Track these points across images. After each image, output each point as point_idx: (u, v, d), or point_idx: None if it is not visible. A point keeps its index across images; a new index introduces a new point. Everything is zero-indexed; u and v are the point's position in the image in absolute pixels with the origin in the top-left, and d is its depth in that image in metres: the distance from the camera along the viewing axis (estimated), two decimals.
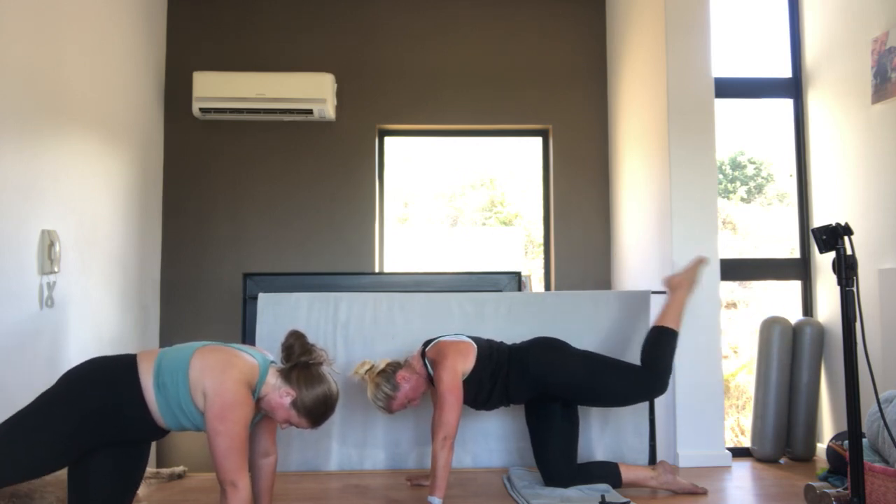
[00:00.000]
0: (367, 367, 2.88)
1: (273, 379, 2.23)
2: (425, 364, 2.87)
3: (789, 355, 3.70)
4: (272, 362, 2.29)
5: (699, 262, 3.18)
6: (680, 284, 3.12)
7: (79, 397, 2.08)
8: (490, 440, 3.44)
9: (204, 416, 2.10)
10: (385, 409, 2.85)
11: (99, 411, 2.08)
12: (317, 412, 2.24)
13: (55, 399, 2.08)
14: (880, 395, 2.80)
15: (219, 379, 2.09)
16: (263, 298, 3.42)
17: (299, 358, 2.24)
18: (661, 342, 2.97)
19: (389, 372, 2.85)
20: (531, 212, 5.03)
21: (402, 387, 2.82)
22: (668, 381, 2.95)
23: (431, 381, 2.87)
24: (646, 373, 2.93)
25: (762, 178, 5.38)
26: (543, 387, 2.90)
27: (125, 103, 3.93)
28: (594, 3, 4.64)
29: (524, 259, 4.96)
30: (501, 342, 3.04)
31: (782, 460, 3.69)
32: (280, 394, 2.21)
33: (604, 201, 4.56)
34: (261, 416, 2.32)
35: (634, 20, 4.09)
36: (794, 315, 3.89)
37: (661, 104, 3.68)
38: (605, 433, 3.42)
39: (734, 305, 5.43)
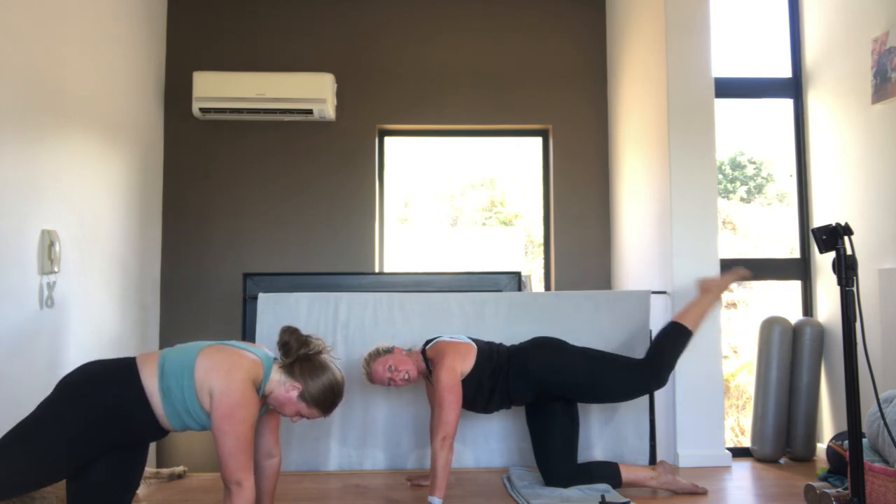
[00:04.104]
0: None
1: (277, 375, 2.23)
2: (425, 361, 2.89)
3: (789, 355, 3.70)
4: (274, 359, 2.30)
5: (738, 274, 3.17)
6: (709, 289, 3.15)
7: (81, 404, 2.07)
8: (491, 440, 3.44)
9: (210, 416, 2.10)
10: (368, 366, 2.87)
11: (103, 417, 2.07)
12: (325, 401, 2.25)
13: (56, 407, 2.07)
14: (880, 395, 2.80)
15: (225, 379, 2.09)
16: (263, 298, 3.42)
17: (298, 352, 2.25)
18: (672, 337, 3.00)
19: (390, 346, 2.94)
20: (531, 212, 5.03)
21: (396, 354, 2.88)
22: (668, 377, 2.95)
23: (429, 378, 2.89)
24: (646, 367, 2.93)
25: (762, 178, 5.37)
26: (544, 385, 2.90)
27: (125, 103, 3.93)
28: (594, 3, 4.64)
29: (524, 259, 4.96)
30: (501, 343, 3.05)
31: (782, 460, 3.69)
32: (286, 388, 2.22)
33: (604, 201, 4.56)
34: (264, 410, 2.33)
35: (634, 20, 4.09)
36: (794, 315, 3.89)
37: (661, 104, 3.68)
38: (605, 433, 3.42)
39: (734, 305, 5.43)
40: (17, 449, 2.01)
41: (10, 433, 2.04)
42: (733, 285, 3.17)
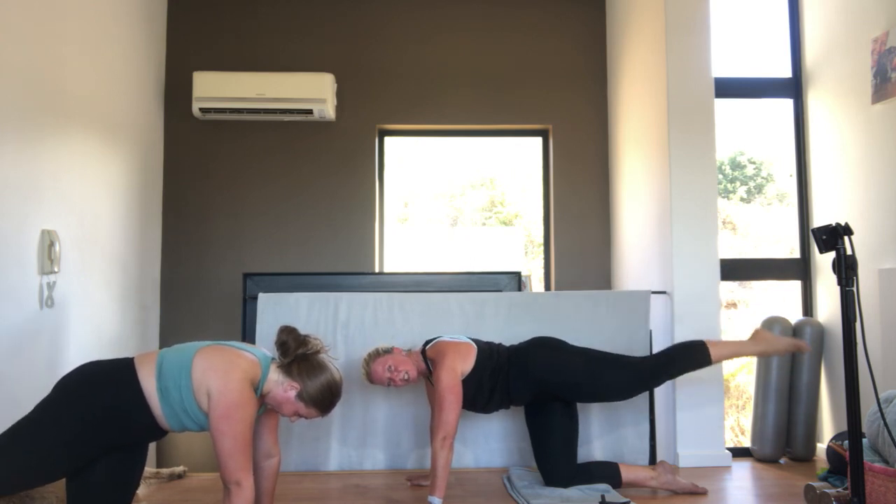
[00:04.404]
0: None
1: (275, 375, 2.23)
2: (425, 361, 2.89)
3: (789, 355, 3.69)
4: (272, 359, 2.29)
5: (797, 346, 3.05)
6: (759, 341, 3.03)
7: (79, 404, 2.07)
8: (490, 440, 3.44)
9: (208, 417, 2.10)
10: (367, 366, 2.87)
11: (101, 417, 2.07)
12: (323, 400, 2.25)
13: (54, 408, 2.07)
14: (880, 395, 2.80)
15: (223, 379, 2.09)
16: (263, 298, 3.42)
17: (296, 351, 2.25)
18: (691, 354, 2.95)
19: (389, 346, 2.94)
20: (531, 212, 5.03)
21: (396, 354, 2.88)
22: (665, 381, 2.97)
23: (429, 378, 2.88)
24: (646, 367, 2.94)
25: (762, 178, 5.37)
26: (544, 385, 2.90)
27: (125, 103, 3.93)
28: (594, 3, 4.64)
29: (524, 259, 4.96)
30: (501, 344, 3.05)
31: (782, 460, 3.69)
32: (284, 388, 2.22)
33: (604, 201, 4.56)
34: (262, 410, 2.33)
35: (634, 20, 4.09)
36: (794, 315, 3.89)
37: (661, 104, 3.68)
38: (605, 433, 3.42)
39: (734, 305, 5.43)
40: (16, 449, 2.01)
41: (8, 433, 2.04)
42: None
